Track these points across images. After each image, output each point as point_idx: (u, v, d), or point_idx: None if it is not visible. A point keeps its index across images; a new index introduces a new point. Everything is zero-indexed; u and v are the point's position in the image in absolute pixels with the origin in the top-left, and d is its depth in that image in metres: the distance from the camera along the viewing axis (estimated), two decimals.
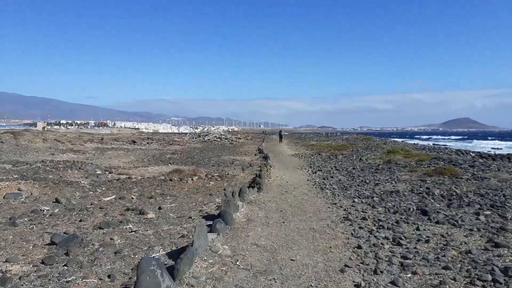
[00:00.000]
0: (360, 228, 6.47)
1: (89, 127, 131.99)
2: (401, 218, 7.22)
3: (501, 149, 49.77)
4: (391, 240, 5.81)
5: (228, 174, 15.39)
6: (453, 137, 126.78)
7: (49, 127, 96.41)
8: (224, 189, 10.15)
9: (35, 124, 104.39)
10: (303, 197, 9.52)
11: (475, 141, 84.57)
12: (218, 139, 47.01)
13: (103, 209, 7.98)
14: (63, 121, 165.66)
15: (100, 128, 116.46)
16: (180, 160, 21.21)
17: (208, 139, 47.53)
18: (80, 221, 7.01)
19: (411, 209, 7.94)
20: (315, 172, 15.41)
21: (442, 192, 10.05)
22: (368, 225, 6.71)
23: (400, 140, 59.07)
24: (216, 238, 5.19)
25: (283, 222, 6.78)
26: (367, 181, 12.52)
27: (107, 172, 15.73)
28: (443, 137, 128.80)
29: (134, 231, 6.16)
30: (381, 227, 6.54)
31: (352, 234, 6.09)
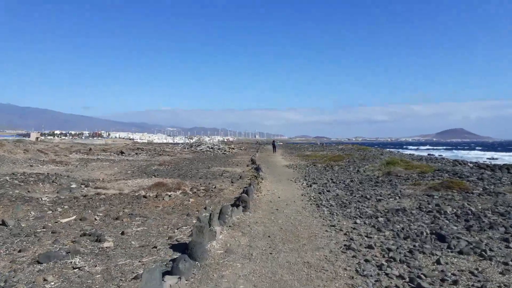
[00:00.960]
0: (366, 261, 5.15)
1: (83, 137, 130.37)
2: (414, 245, 5.91)
3: (497, 159, 48.79)
4: (407, 280, 4.50)
5: (215, 187, 14.06)
6: (440, 147, 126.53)
7: (42, 137, 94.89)
8: (205, 208, 8.82)
9: (28, 135, 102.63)
10: (296, 216, 8.19)
11: (461, 151, 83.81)
12: (211, 150, 45.65)
13: (55, 234, 6.61)
14: (57, 132, 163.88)
15: (95, 138, 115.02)
16: (166, 172, 19.83)
17: (201, 149, 46.17)
18: (20, 251, 5.64)
19: (424, 233, 6.64)
20: (310, 185, 14.12)
21: (455, 210, 8.78)
22: (376, 256, 5.40)
23: (395, 150, 57.78)
24: (176, 284, 3.85)
25: (271, 253, 5.44)
26: (368, 196, 11.24)
27: (83, 186, 14.36)
28: (431, 147, 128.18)
29: (79, 268, 4.80)
30: (392, 259, 5.22)
31: (357, 270, 4.77)
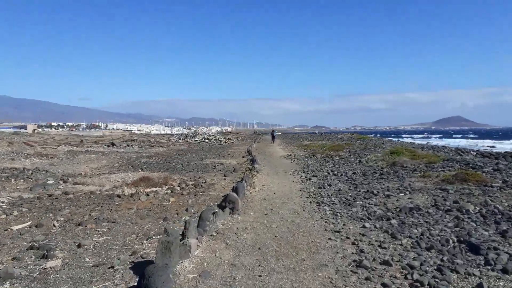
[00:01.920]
0: (385, 286, 3.92)
1: (80, 129, 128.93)
2: (442, 260, 4.68)
3: (494, 147, 47.55)
4: None
5: (205, 182, 12.83)
6: (434, 135, 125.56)
7: (39, 129, 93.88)
8: (187, 209, 7.54)
9: (25, 127, 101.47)
10: (293, 219, 6.94)
11: (453, 139, 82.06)
12: (207, 140, 44.36)
13: None
14: (54, 123, 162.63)
15: (92, 130, 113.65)
16: (155, 165, 18.57)
17: (196, 140, 44.87)
18: None
19: (451, 242, 5.41)
20: (309, 179, 12.88)
21: (477, 208, 7.55)
22: (396, 278, 4.16)
23: (395, 139, 56.15)
24: None
25: (260, 276, 4.19)
26: (375, 191, 9.99)
27: (61, 182, 13.14)
28: (425, 135, 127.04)
29: None
30: (418, 283, 3.99)
31: None
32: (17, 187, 11.84)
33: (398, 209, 7.75)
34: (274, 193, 9.96)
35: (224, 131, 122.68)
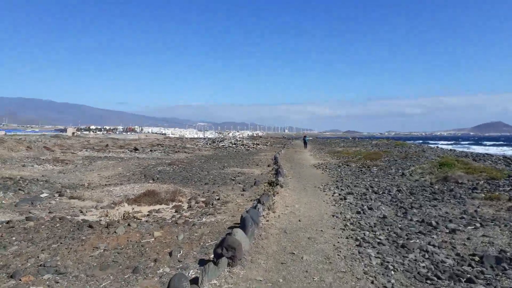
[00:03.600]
0: None
1: (117, 132, 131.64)
2: None
3: None
4: None
5: (218, 199, 10.83)
6: (462, 142, 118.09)
7: (78, 132, 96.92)
8: (170, 254, 5.43)
9: (65, 130, 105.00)
10: (323, 275, 4.69)
11: (482, 146, 75.48)
12: (233, 145, 42.53)
13: None
14: (92, 127, 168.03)
15: (128, 133, 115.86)
16: (170, 174, 16.77)
17: (223, 145, 43.18)
18: None
19: None
20: (344, 197, 10.53)
21: None
22: None
23: (434, 146, 51.57)
24: None
25: None
26: (432, 220, 7.54)
27: (56, 194, 11.56)
28: (452, 142, 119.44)
29: None
30: None
31: None
32: (3, 202, 10.27)
33: (477, 259, 5.33)
34: (299, 220, 7.74)
35: (255, 135, 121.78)
